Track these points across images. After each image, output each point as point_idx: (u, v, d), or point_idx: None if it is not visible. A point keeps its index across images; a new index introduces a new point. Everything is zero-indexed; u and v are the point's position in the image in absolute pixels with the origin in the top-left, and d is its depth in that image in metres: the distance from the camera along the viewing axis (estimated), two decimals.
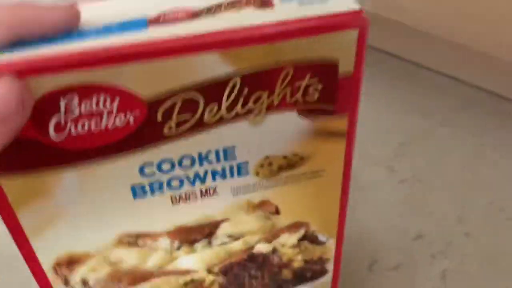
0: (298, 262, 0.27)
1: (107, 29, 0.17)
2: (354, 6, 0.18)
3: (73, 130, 0.18)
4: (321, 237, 0.26)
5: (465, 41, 0.41)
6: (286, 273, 0.27)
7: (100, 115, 0.18)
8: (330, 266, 0.28)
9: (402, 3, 0.39)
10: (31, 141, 0.18)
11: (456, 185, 0.42)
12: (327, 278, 0.29)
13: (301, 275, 0.28)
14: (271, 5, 0.18)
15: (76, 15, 0.17)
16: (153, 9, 0.18)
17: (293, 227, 0.25)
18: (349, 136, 0.22)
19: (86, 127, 0.18)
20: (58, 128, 0.18)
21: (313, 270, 0.28)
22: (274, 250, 0.26)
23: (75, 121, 0.18)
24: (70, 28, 0.17)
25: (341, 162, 0.23)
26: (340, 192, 0.24)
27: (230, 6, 0.18)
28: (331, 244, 0.27)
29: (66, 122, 0.18)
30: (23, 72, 0.16)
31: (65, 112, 0.17)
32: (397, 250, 0.38)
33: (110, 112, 0.18)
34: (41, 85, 0.17)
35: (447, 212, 0.40)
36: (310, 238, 0.26)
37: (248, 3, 0.18)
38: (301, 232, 0.25)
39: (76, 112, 0.17)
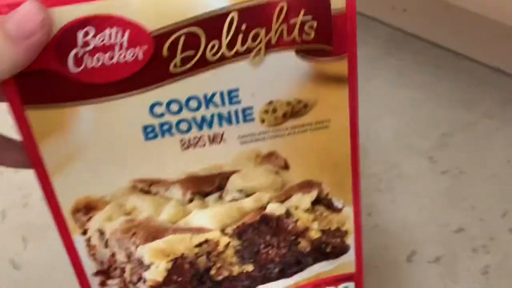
0: (315, 232, 0.26)
1: None
2: None
3: (89, 63, 0.20)
4: (336, 203, 0.26)
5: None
6: (304, 244, 0.27)
7: (113, 48, 0.20)
8: (350, 241, 0.27)
9: None
10: (54, 73, 0.20)
11: (500, 179, 0.40)
12: (350, 256, 0.28)
13: (319, 249, 0.27)
14: None
15: None
16: None
17: (305, 186, 0.25)
18: (351, 81, 0.23)
19: (100, 61, 0.20)
20: (76, 61, 0.20)
21: (332, 244, 0.27)
22: (288, 214, 0.26)
23: (91, 54, 0.20)
24: None
25: (346, 112, 0.23)
26: (349, 147, 0.24)
27: None
28: (348, 212, 0.26)
29: (83, 55, 0.20)
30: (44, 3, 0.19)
31: (82, 45, 0.20)
32: (437, 243, 0.36)
33: (121, 46, 0.20)
34: (60, 17, 0.19)
35: (490, 206, 0.38)
36: (324, 202, 0.26)
37: None
38: (314, 193, 0.25)
39: (92, 44, 0.20)
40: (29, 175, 0.46)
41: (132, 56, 0.20)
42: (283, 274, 0.27)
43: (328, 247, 0.27)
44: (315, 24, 0.21)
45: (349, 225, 0.27)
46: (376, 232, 0.37)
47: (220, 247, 0.25)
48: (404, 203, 0.39)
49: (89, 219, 0.23)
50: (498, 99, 0.46)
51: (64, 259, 0.35)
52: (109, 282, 0.25)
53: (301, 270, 0.28)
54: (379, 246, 0.36)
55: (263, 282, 0.27)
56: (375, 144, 0.42)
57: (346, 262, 0.28)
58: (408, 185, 0.40)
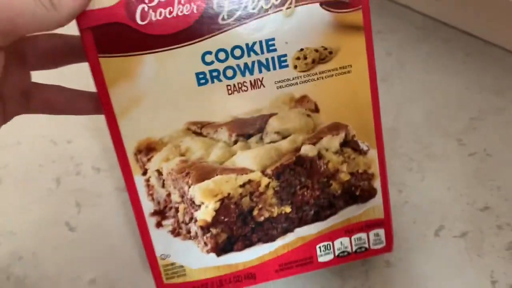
0: (344, 174, 0.30)
1: None
2: None
3: (152, 17, 0.24)
4: (362, 145, 0.29)
5: None
6: (335, 187, 0.30)
7: (172, 3, 0.24)
8: (377, 185, 0.30)
9: None
10: (124, 26, 0.24)
11: None
12: (378, 200, 0.31)
13: (349, 191, 0.30)
14: None
15: None
16: None
17: (334, 129, 0.29)
18: (366, 30, 0.27)
19: (162, 15, 0.24)
20: (142, 15, 0.24)
21: (361, 187, 0.30)
22: (320, 155, 0.29)
23: (154, 9, 0.24)
24: None
25: (364, 58, 0.27)
26: (369, 92, 0.28)
27: None
28: (374, 155, 0.30)
29: (148, 10, 0.24)
30: None
31: (148, 1, 0.24)
32: (464, 219, 0.38)
33: (179, 1, 0.24)
34: None
35: None
36: (351, 144, 0.29)
37: None
38: (342, 135, 0.29)
39: (156, 0, 0.24)
40: (80, 146, 0.50)
41: (188, 11, 0.25)
42: (318, 217, 0.30)
43: (357, 190, 0.30)
44: None
45: (375, 168, 0.30)
46: (406, 207, 0.39)
47: (261, 188, 0.28)
48: (433, 181, 0.41)
49: (149, 160, 0.27)
50: None
51: (113, 221, 0.38)
52: (164, 222, 0.28)
53: (334, 213, 0.30)
54: (409, 221, 0.38)
55: (299, 225, 0.30)
56: (407, 125, 0.45)
57: (375, 207, 0.31)
58: (437, 165, 0.42)
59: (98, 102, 0.26)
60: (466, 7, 0.51)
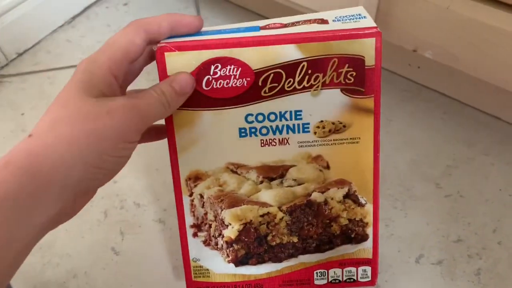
0: (343, 219, 0.37)
1: (234, 30, 0.33)
2: (372, 24, 0.32)
3: (214, 85, 0.33)
4: (361, 199, 0.37)
5: (507, 86, 0.51)
6: (335, 228, 0.37)
7: (229, 77, 0.33)
8: (370, 232, 0.37)
9: (455, 52, 0.51)
10: (193, 90, 0.33)
11: (493, 203, 0.50)
12: (368, 244, 0.38)
13: (346, 233, 0.37)
14: (327, 23, 0.33)
15: (202, 22, 0.34)
16: (263, 23, 0.34)
17: (340, 183, 0.36)
18: (376, 113, 0.34)
19: (221, 85, 0.33)
20: (207, 83, 0.33)
21: (356, 231, 0.37)
22: (326, 202, 0.36)
23: (216, 80, 0.33)
24: (198, 30, 0.33)
25: (371, 133, 0.35)
26: (372, 159, 0.35)
27: (304, 22, 0.33)
28: (370, 208, 0.37)
29: (212, 80, 0.33)
30: (195, 47, 0.32)
31: (212, 73, 0.33)
32: (440, 249, 0.46)
33: (234, 76, 0.33)
34: (202, 57, 0.32)
35: (483, 223, 0.48)
36: (352, 197, 0.37)
37: (314, 22, 0.33)
38: (345, 189, 0.36)
39: (218, 74, 0.33)
40: (124, 185, 0.60)
41: (240, 83, 0.33)
42: (318, 249, 0.38)
43: (353, 233, 0.38)
44: (354, 73, 0.33)
45: (370, 219, 0.37)
46: (392, 239, 0.47)
47: (277, 219, 0.36)
48: (414, 218, 0.49)
49: (195, 185, 0.36)
50: (494, 140, 0.57)
51: (150, 247, 0.47)
52: (199, 234, 0.37)
53: (332, 248, 0.38)
54: (394, 250, 0.46)
55: (303, 253, 0.38)
56: (393, 171, 0.54)
57: (366, 248, 0.38)
58: (418, 204, 0.50)
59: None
60: (444, 73, 0.59)
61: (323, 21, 0.34)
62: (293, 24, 0.34)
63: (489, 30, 0.48)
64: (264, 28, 0.34)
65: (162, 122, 0.34)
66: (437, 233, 0.47)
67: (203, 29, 0.35)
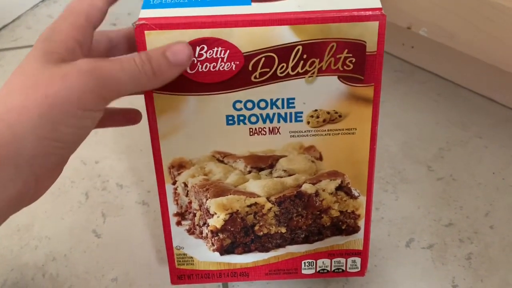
0: (335, 211, 0.35)
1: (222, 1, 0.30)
2: (378, 5, 0.29)
3: (200, 68, 0.30)
4: (354, 192, 0.35)
5: (502, 66, 0.49)
6: (325, 219, 0.36)
7: (217, 60, 0.30)
8: (361, 224, 0.36)
9: (451, 29, 0.49)
10: None
11: (486, 187, 0.49)
12: (359, 236, 0.36)
13: (337, 225, 0.36)
14: None
15: None
16: None
17: (332, 175, 0.34)
18: (375, 103, 0.32)
19: (207, 68, 0.30)
20: (192, 66, 0.30)
21: (347, 223, 0.36)
22: (317, 193, 0.35)
23: (202, 62, 0.30)
24: None
25: (369, 124, 0.32)
26: (368, 151, 0.33)
27: None
28: (363, 201, 0.35)
29: (196, 62, 0.30)
30: (178, 26, 0.29)
31: (198, 56, 0.30)
32: (431, 233, 0.45)
33: (222, 59, 0.30)
34: (186, 37, 0.29)
35: (475, 207, 0.47)
36: (345, 189, 0.35)
37: None
38: (338, 181, 0.34)
39: (204, 56, 0.30)
40: (106, 166, 0.57)
41: (228, 68, 0.30)
42: (307, 240, 0.37)
43: (344, 225, 0.36)
44: (354, 60, 0.30)
45: (362, 211, 0.36)
46: (382, 222, 0.46)
47: (264, 210, 0.35)
48: (405, 201, 0.48)
49: (179, 174, 0.33)
50: (488, 122, 0.55)
51: (133, 230, 0.45)
52: (183, 222, 0.35)
53: (321, 239, 0.37)
54: (384, 234, 0.45)
55: (291, 243, 0.37)
56: (385, 153, 0.52)
57: (356, 240, 0.37)
58: (409, 187, 0.49)
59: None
60: (438, 54, 0.57)
61: None
62: None
63: (486, 6, 0.45)
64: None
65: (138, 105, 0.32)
66: (428, 216, 0.46)
67: None
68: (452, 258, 0.43)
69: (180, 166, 0.33)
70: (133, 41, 0.30)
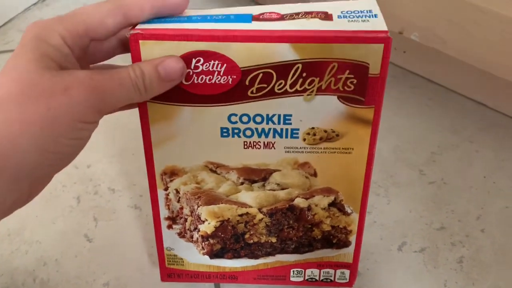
0: (326, 226, 0.35)
1: (223, 19, 0.29)
2: (383, 27, 0.27)
3: (196, 80, 0.29)
4: (347, 208, 0.34)
5: (493, 71, 0.48)
6: (316, 232, 0.36)
7: (213, 73, 0.29)
8: (353, 239, 0.36)
9: (442, 34, 0.48)
10: None
11: (477, 190, 0.49)
12: (350, 250, 0.36)
13: (328, 239, 0.36)
14: (331, 19, 0.28)
15: (187, 3, 0.29)
16: (258, 10, 0.30)
17: (326, 191, 0.34)
18: (374, 124, 0.31)
19: (203, 80, 0.29)
20: (188, 77, 0.29)
21: (338, 238, 0.36)
22: (309, 208, 0.34)
23: (198, 74, 0.29)
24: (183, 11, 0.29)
25: (366, 145, 0.31)
26: (364, 171, 0.33)
27: (304, 15, 0.29)
28: (355, 217, 0.35)
29: (192, 74, 0.29)
30: (175, 37, 0.28)
31: (194, 67, 0.29)
32: (423, 237, 0.45)
33: (218, 73, 0.29)
34: (182, 49, 0.28)
35: (467, 210, 0.47)
36: (338, 205, 0.34)
37: (316, 15, 0.28)
38: (332, 197, 0.34)
39: (200, 68, 0.29)
40: (98, 170, 0.56)
41: (225, 81, 0.29)
42: (297, 250, 0.37)
43: (334, 239, 0.36)
44: (355, 81, 0.29)
45: (354, 227, 0.35)
46: (374, 226, 0.46)
47: (256, 220, 0.35)
48: (397, 205, 0.47)
49: (171, 181, 0.33)
50: (479, 127, 0.55)
51: (125, 234, 0.45)
52: (174, 226, 0.36)
53: (311, 251, 0.37)
54: (376, 237, 0.45)
55: (281, 252, 0.37)
56: (377, 157, 0.50)
57: (346, 254, 0.37)
58: (401, 191, 0.49)
59: None
60: (430, 59, 0.57)
61: (327, 16, 0.29)
62: (291, 16, 0.29)
63: (477, 11, 0.45)
64: (257, 18, 0.29)
65: None
66: (420, 220, 0.46)
67: (189, 12, 0.30)
68: (444, 262, 0.43)
69: (172, 173, 0.33)
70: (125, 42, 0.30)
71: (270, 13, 0.29)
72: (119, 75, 0.27)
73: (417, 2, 0.49)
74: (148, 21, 0.29)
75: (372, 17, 0.28)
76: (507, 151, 0.53)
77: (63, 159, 0.27)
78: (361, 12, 0.29)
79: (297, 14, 0.29)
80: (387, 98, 0.57)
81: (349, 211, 0.35)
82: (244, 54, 0.29)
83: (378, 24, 0.28)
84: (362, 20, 0.28)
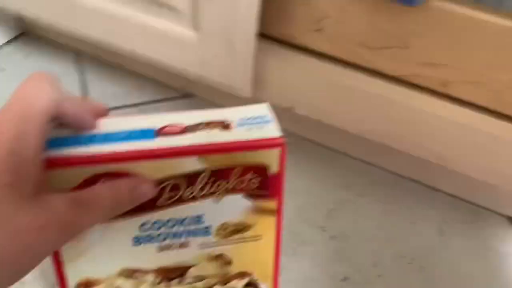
0: None
1: (126, 136, 0.29)
2: (278, 134, 0.30)
3: None
4: (261, 285, 0.37)
5: (370, 135, 0.57)
6: None
7: None
8: None
9: (326, 109, 0.57)
10: None
11: (372, 240, 0.56)
12: None
13: None
14: (230, 128, 0.30)
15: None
16: (159, 123, 0.30)
17: (241, 276, 0.36)
18: (278, 212, 0.34)
19: None
20: None
21: None
22: None
23: None
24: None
25: (274, 231, 0.34)
26: (274, 252, 0.35)
27: (205, 126, 0.30)
28: None
29: None
30: (80, 162, 0.28)
31: None
32: None
33: None
34: (88, 172, 0.28)
35: (365, 259, 0.54)
36: (253, 284, 0.36)
37: (216, 125, 0.30)
38: (246, 279, 0.36)
39: None
40: None
41: None
42: None
43: None
44: (259, 179, 0.32)
45: None
46: (285, 283, 0.48)
47: None
48: (304, 262, 0.52)
49: None
50: (367, 182, 0.63)
51: None
52: None
53: None
54: None
55: None
56: (283, 218, 0.56)
57: None
58: (307, 249, 0.54)
59: None
60: (320, 127, 0.63)
61: (226, 126, 0.31)
62: (193, 129, 0.30)
63: (349, 89, 0.53)
64: (160, 132, 0.30)
65: None
66: (327, 274, 0.51)
67: (90, 131, 0.30)
68: None
69: (87, 285, 0.33)
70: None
71: (171, 127, 0.31)
72: (97, 206, 0.27)
73: (302, 84, 0.56)
74: (52, 142, 0.28)
75: (266, 122, 0.31)
76: (393, 203, 0.60)
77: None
78: (256, 118, 0.31)
79: (198, 125, 0.31)
80: (287, 163, 0.63)
81: (263, 287, 0.37)
82: (150, 169, 0.29)
83: (272, 129, 0.31)
84: (258, 127, 0.31)
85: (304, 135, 0.68)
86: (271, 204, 0.33)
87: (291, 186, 0.62)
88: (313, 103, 0.57)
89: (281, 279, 0.50)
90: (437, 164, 0.55)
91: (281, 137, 0.31)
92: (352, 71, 0.54)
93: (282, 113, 0.68)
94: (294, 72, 0.55)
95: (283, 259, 0.53)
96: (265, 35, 0.55)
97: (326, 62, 0.54)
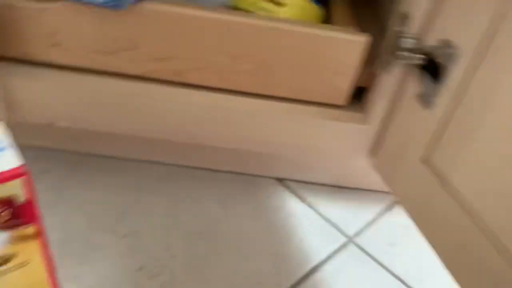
0: None
1: None
2: (17, 162, 0.32)
3: None
4: None
5: (139, 133, 0.62)
6: None
7: None
8: None
9: (83, 117, 0.59)
10: None
11: (162, 228, 0.62)
12: None
13: None
14: None
15: None
16: None
17: None
18: (40, 235, 0.36)
19: None
20: None
21: None
22: None
23: None
24: None
25: (39, 253, 0.37)
26: (47, 272, 0.38)
27: None
28: None
29: None
30: None
31: None
32: (129, 282, 0.54)
33: None
34: None
35: (158, 246, 0.59)
36: None
37: None
38: None
39: None
40: None
41: None
42: None
43: None
44: (9, 211, 0.34)
45: None
46: None
47: None
48: (99, 265, 0.55)
49: None
50: (153, 180, 0.69)
51: None
52: None
53: None
54: None
55: None
56: (73, 231, 0.59)
57: None
58: (100, 251, 0.57)
59: None
60: (96, 137, 0.69)
61: None
62: None
63: (100, 93, 0.57)
64: None
65: None
66: (122, 269, 0.55)
67: None
68: None
69: None
70: None
71: None
72: None
73: (54, 98, 0.57)
74: None
75: (2, 150, 0.33)
76: (178, 193, 0.68)
77: None
78: None
79: None
80: (74, 182, 0.66)
81: None
82: None
83: (10, 157, 0.32)
84: None
85: (88, 151, 0.70)
86: (29, 230, 0.36)
87: (79, 199, 0.65)
88: (71, 113, 0.59)
89: (77, 287, 0.53)
90: (211, 148, 0.63)
91: (21, 165, 0.33)
92: (98, 77, 0.57)
93: (53, 132, 0.70)
94: (44, 88, 0.57)
95: (76, 268, 0.56)
96: (5, 58, 0.55)
97: (71, 73, 0.57)
